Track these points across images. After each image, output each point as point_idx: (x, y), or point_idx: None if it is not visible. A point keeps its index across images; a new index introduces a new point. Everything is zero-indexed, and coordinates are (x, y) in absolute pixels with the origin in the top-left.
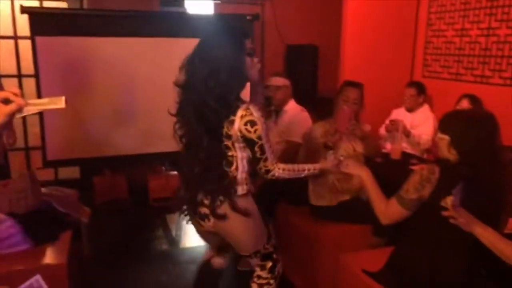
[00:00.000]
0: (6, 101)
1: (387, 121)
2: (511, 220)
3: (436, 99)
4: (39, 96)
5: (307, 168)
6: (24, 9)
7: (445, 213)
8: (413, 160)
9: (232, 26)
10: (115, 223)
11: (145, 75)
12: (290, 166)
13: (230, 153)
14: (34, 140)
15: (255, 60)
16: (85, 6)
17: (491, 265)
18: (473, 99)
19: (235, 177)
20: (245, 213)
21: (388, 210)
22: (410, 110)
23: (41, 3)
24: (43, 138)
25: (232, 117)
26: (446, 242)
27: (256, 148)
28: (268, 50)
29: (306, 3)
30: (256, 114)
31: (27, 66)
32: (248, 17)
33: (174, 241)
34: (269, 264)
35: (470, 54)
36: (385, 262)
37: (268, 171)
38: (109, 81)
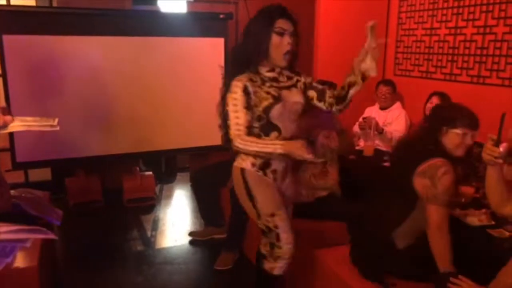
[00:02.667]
0: None
1: (360, 119)
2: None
3: (407, 97)
4: (6, 96)
5: (271, 143)
6: None
7: (497, 160)
8: (385, 156)
9: (269, 5)
10: (89, 224)
11: (117, 74)
12: (251, 138)
13: None
14: (2, 141)
15: (285, 41)
16: (54, 4)
17: None
18: (442, 96)
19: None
20: None
21: None
22: (383, 108)
23: (8, 1)
24: (11, 139)
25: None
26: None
27: (226, 115)
28: None
29: (278, 3)
30: (235, 82)
31: None
32: (221, 16)
33: (149, 242)
34: None
35: (439, 53)
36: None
37: (230, 140)
38: (80, 81)
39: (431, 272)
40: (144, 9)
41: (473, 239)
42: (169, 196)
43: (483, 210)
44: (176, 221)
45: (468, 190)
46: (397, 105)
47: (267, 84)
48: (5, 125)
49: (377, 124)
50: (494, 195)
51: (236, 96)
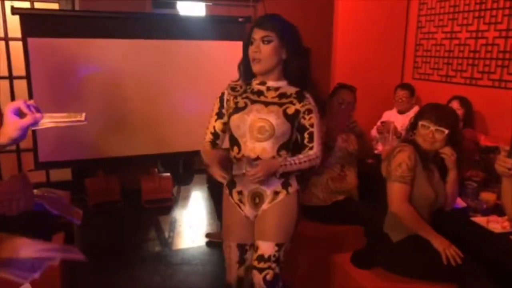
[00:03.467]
0: (21, 113)
1: (378, 123)
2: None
3: (426, 101)
4: (30, 97)
5: (212, 157)
6: (15, 10)
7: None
8: None
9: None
10: (108, 224)
11: (137, 77)
12: (207, 147)
13: None
14: (25, 142)
15: (252, 48)
16: (77, 7)
17: None
18: (462, 100)
19: None
20: None
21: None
22: (401, 111)
23: (32, 4)
24: (35, 140)
25: None
26: None
27: None
28: None
29: (297, 6)
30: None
31: (18, 67)
32: (240, 19)
33: (166, 243)
34: None
35: (459, 56)
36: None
37: None
38: (101, 83)
39: (424, 268)
40: (164, 13)
41: (496, 246)
42: (186, 198)
43: (506, 217)
44: (193, 223)
45: (489, 196)
46: (415, 109)
47: (245, 94)
48: (35, 122)
49: (395, 128)
50: (509, 205)
51: (215, 102)
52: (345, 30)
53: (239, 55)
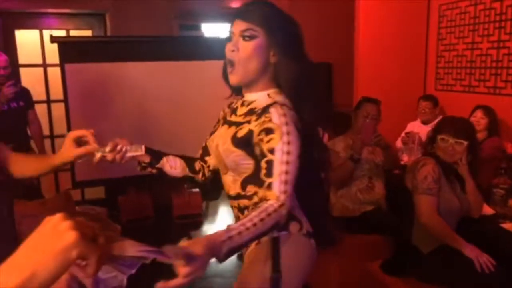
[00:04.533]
0: (79, 142)
1: (403, 134)
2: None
3: (450, 111)
4: (68, 118)
5: None
6: (53, 39)
7: None
8: None
9: None
10: (141, 239)
11: (164, 96)
12: None
13: None
14: None
15: (227, 46)
16: (108, 33)
17: None
18: (486, 109)
19: None
20: None
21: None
22: (425, 122)
23: (67, 32)
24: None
25: None
26: None
27: None
28: None
29: (319, 23)
30: None
31: (55, 92)
32: None
33: None
34: None
35: (481, 66)
36: None
37: None
38: (132, 103)
39: (457, 276)
40: (190, 35)
41: None
42: (215, 213)
43: None
44: None
45: None
46: (439, 119)
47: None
48: (89, 153)
49: (420, 138)
50: None
51: None
52: (366, 44)
53: None
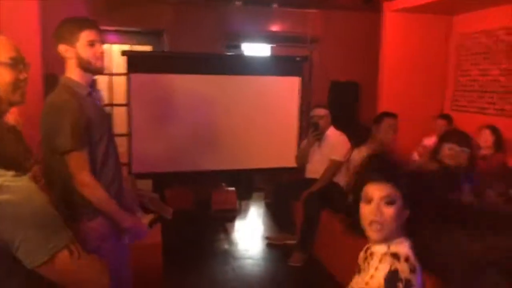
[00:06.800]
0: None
1: (419, 148)
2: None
3: (463, 129)
4: (129, 120)
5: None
6: (124, 53)
7: None
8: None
9: None
10: (185, 227)
11: (211, 105)
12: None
13: None
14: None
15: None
16: (166, 48)
17: None
18: (493, 129)
19: None
20: None
21: None
22: None
23: (131, 47)
24: (129, 155)
25: None
26: None
27: None
28: (315, 85)
29: (348, 46)
30: None
31: (117, 97)
32: (297, 58)
33: (233, 242)
34: None
35: (492, 91)
36: None
37: None
38: (183, 109)
39: None
40: (234, 53)
41: None
42: (247, 210)
43: None
44: (254, 228)
45: None
46: None
47: None
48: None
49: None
50: None
51: None
52: (391, 67)
53: (296, 88)
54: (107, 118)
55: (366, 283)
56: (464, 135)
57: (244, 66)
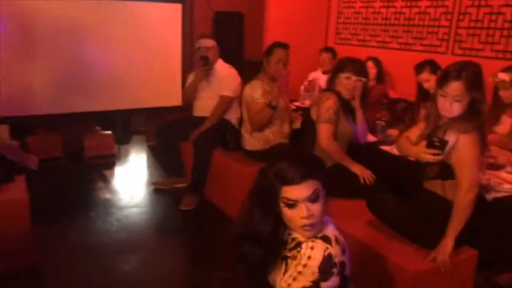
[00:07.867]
0: None
1: (305, 82)
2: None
3: None
4: None
5: None
6: None
7: None
8: None
9: None
10: (55, 178)
11: (80, 35)
12: None
13: None
14: None
15: None
16: None
17: None
18: (375, 61)
19: None
20: None
21: None
22: (325, 72)
23: None
24: None
25: None
26: None
27: None
28: (197, 15)
29: None
30: None
31: None
32: None
33: (115, 190)
34: None
35: (374, 23)
36: None
37: None
38: (48, 41)
39: (345, 188)
40: None
41: (398, 165)
42: (127, 155)
43: None
44: (138, 174)
45: (394, 132)
46: None
47: None
48: None
49: (320, 86)
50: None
51: None
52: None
53: (178, 17)
54: None
55: (299, 272)
56: (360, 63)
57: None
